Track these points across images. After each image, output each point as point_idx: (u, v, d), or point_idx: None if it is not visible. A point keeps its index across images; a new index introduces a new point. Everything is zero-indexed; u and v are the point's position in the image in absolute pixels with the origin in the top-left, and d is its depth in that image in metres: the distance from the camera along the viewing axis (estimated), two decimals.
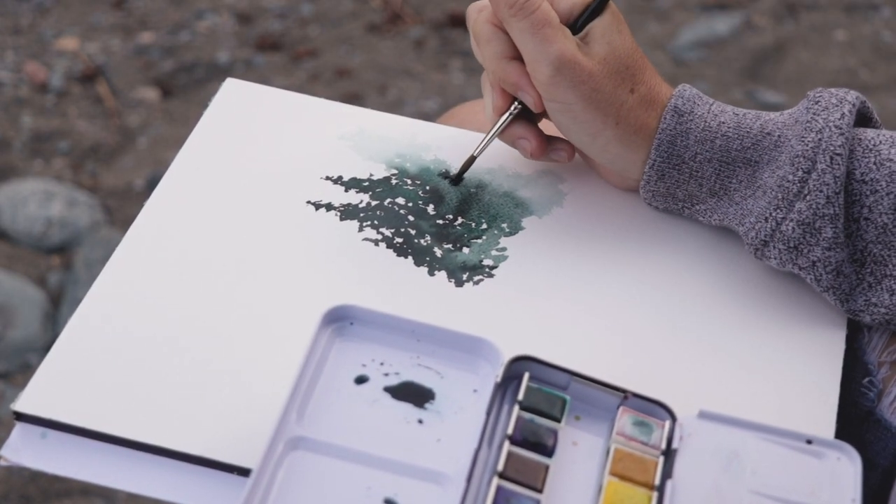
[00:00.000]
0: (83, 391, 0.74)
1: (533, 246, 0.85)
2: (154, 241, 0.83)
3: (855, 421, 0.81)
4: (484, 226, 0.86)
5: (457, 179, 0.89)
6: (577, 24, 0.82)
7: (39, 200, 1.94)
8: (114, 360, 0.76)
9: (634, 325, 0.81)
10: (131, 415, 0.73)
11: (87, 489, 1.63)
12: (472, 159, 0.88)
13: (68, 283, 1.86)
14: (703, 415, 0.72)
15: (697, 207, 0.84)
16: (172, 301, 0.79)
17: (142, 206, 0.86)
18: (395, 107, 2.14)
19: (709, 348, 0.80)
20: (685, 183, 0.83)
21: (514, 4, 0.80)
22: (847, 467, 0.70)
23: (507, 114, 0.85)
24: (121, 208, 1.98)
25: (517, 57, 0.83)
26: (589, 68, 0.81)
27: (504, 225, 0.86)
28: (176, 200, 0.86)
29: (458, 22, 2.30)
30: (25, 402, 0.73)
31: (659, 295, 0.82)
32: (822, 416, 0.76)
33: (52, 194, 1.95)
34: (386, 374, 0.73)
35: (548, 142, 0.86)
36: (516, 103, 0.85)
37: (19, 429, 0.73)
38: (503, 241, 0.85)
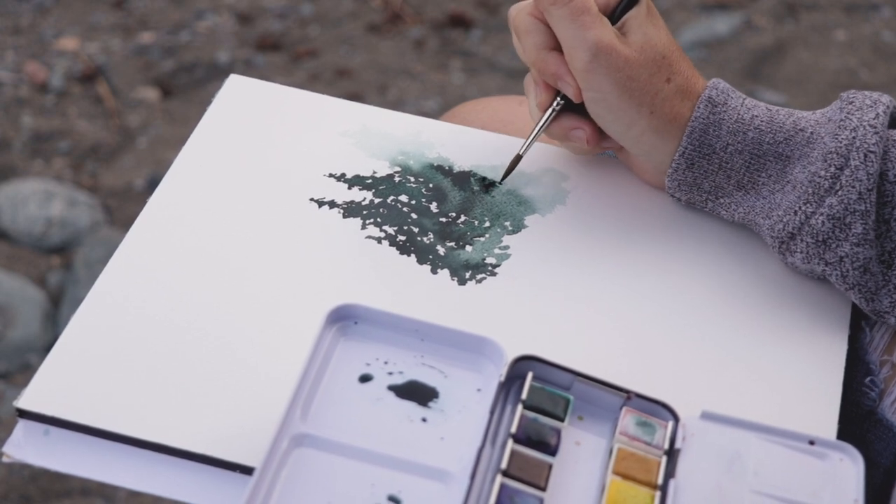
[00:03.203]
0: (86, 389, 0.74)
1: (536, 244, 0.85)
2: (156, 239, 0.83)
3: (856, 420, 0.81)
4: (487, 224, 0.86)
5: (502, 179, 0.89)
6: (614, 14, 0.83)
7: (39, 200, 1.93)
8: (116, 357, 0.76)
9: (637, 324, 0.81)
10: (134, 412, 0.73)
11: (88, 489, 1.63)
12: (517, 158, 0.88)
13: (68, 283, 1.86)
14: (706, 415, 0.72)
15: (722, 200, 0.84)
16: (175, 299, 0.79)
17: (142, 206, 0.86)
18: (395, 107, 2.12)
19: (711, 349, 0.80)
20: (713, 174, 0.83)
21: None
22: (849, 468, 0.70)
23: (551, 109, 0.86)
24: (121, 208, 1.98)
25: (557, 48, 0.84)
26: (626, 55, 0.81)
27: (507, 223, 0.86)
28: (178, 198, 0.86)
29: (458, 22, 2.30)
30: (28, 399, 0.73)
31: (662, 294, 0.82)
32: (825, 416, 0.76)
33: (52, 194, 1.94)
34: (390, 373, 0.73)
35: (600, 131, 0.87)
36: (559, 98, 0.85)
37: (22, 426, 0.73)
38: (506, 240, 0.85)
